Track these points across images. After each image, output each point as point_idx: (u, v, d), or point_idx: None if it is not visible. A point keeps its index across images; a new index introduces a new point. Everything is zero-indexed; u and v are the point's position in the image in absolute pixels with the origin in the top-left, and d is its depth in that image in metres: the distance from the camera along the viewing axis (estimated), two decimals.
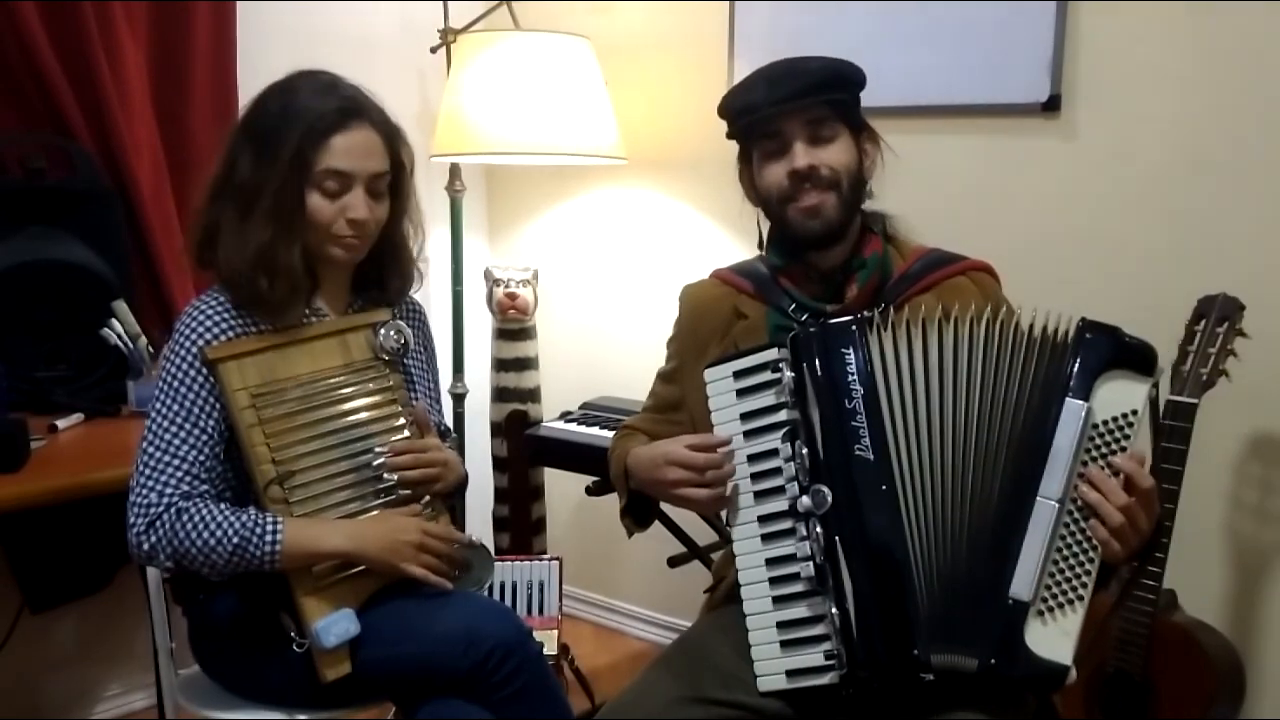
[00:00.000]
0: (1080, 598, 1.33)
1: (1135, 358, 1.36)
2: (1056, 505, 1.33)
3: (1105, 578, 1.41)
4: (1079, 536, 1.34)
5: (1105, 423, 1.34)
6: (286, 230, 1.56)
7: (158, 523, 1.50)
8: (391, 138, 1.65)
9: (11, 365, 2.10)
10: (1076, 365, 1.35)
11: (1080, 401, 1.34)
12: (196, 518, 1.50)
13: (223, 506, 1.53)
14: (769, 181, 1.58)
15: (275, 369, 1.58)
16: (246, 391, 1.55)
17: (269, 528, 1.51)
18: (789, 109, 1.53)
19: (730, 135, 1.64)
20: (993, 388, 1.38)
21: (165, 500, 1.51)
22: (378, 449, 1.63)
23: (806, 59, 1.58)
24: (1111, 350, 1.35)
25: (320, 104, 1.57)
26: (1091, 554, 1.34)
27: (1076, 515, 1.34)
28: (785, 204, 1.56)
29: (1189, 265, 2.08)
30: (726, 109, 1.61)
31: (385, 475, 1.63)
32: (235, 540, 1.50)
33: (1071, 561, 1.34)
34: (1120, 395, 1.35)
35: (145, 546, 1.51)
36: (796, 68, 1.56)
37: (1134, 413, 1.34)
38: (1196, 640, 1.92)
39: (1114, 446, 1.35)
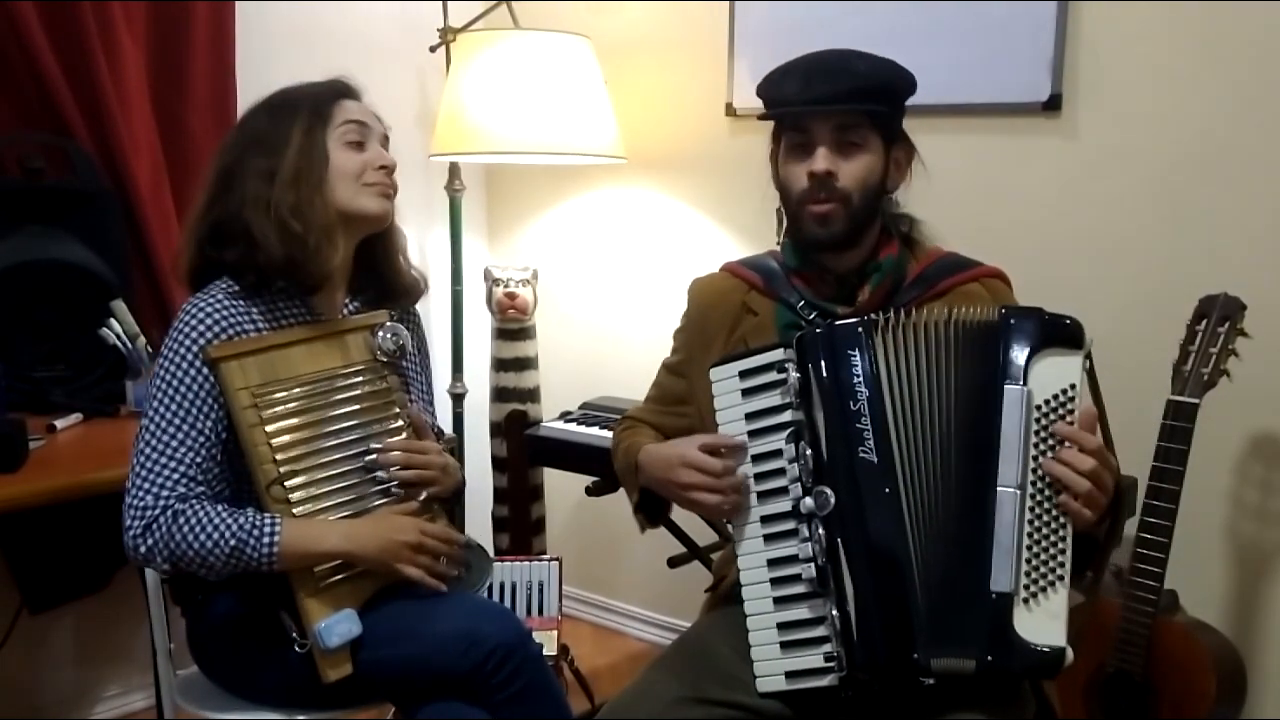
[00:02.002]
0: (1060, 578, 1.34)
1: (1062, 333, 1.38)
2: (1017, 492, 1.34)
3: (1086, 561, 1.42)
4: (1046, 518, 1.35)
5: (1047, 401, 1.36)
6: (316, 187, 1.59)
7: (154, 525, 1.49)
8: (376, 113, 1.71)
9: (10, 365, 2.10)
10: (1008, 351, 1.37)
11: (1018, 386, 1.36)
12: (194, 519, 1.49)
13: (220, 507, 1.52)
14: (790, 178, 1.56)
15: (276, 368, 1.58)
16: (248, 391, 1.54)
17: (267, 529, 1.50)
18: (819, 112, 1.50)
19: (762, 117, 1.61)
20: (957, 385, 1.39)
21: (162, 503, 1.50)
22: (372, 445, 1.64)
23: (856, 58, 1.54)
24: (1037, 331, 1.37)
25: (319, 84, 1.66)
26: (1062, 532, 1.35)
27: (1039, 498, 1.35)
28: (802, 205, 1.54)
29: (1189, 265, 2.07)
30: (762, 94, 1.58)
31: (380, 473, 1.63)
32: (233, 542, 1.49)
33: (1044, 544, 1.35)
34: (1055, 373, 1.36)
35: (142, 549, 1.50)
36: (841, 67, 1.52)
37: (1072, 387, 1.36)
38: (1197, 640, 1.92)
39: (1060, 423, 1.36)
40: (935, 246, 1.64)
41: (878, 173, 1.55)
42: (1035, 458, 1.35)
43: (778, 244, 1.65)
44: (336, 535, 1.55)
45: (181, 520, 1.49)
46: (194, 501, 1.51)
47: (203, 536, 1.49)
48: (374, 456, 1.63)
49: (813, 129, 1.52)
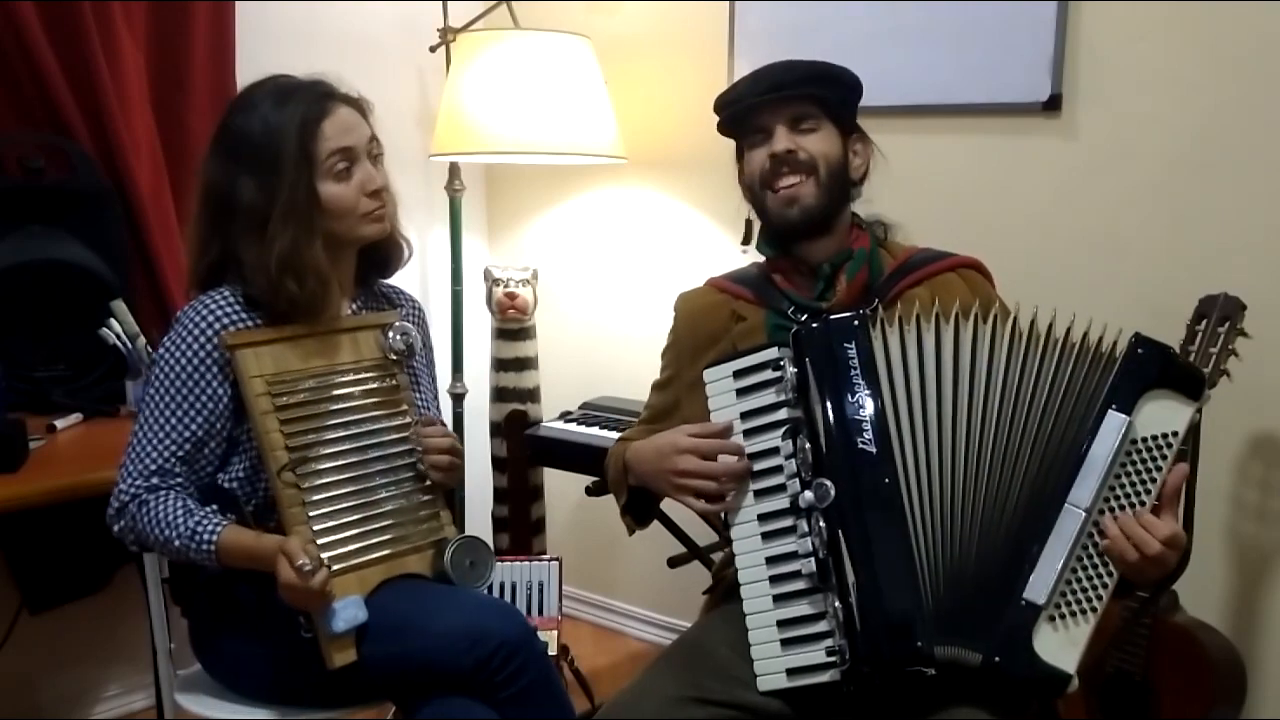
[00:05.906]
0: (1094, 609, 1.33)
1: (1184, 379, 1.35)
2: (1084, 514, 1.33)
3: (1127, 589, 1.41)
4: (1101, 548, 1.33)
5: (1145, 439, 1.34)
6: (306, 229, 1.59)
7: (125, 511, 1.57)
8: (360, 108, 1.68)
9: (10, 365, 2.10)
10: (1123, 378, 1.34)
11: (1123, 415, 1.33)
12: (154, 513, 1.55)
13: (179, 504, 1.55)
14: (752, 167, 1.63)
15: (289, 361, 1.62)
16: (262, 379, 1.58)
17: (206, 537, 1.53)
18: (770, 100, 1.58)
19: (722, 131, 1.67)
20: (1016, 389, 1.38)
21: (133, 490, 1.57)
22: (410, 437, 1.68)
23: (797, 61, 1.63)
24: (1161, 368, 1.35)
25: (298, 101, 1.59)
26: (1111, 568, 1.33)
27: (1103, 527, 1.33)
28: (765, 189, 1.60)
29: (1189, 265, 2.07)
30: (716, 104, 1.66)
31: (418, 463, 1.68)
32: (178, 543, 1.54)
33: (1090, 572, 1.33)
34: (1164, 415, 1.34)
35: (115, 529, 1.59)
36: (785, 65, 1.62)
37: (1175, 434, 1.34)
38: (1197, 640, 1.92)
39: (1150, 465, 1.34)
40: (910, 245, 1.68)
41: (839, 153, 1.60)
42: (1112, 488, 1.34)
43: (743, 251, 1.70)
44: (272, 543, 1.54)
45: (145, 510, 1.55)
46: (162, 492, 1.56)
47: (159, 530, 1.55)
48: (420, 449, 1.68)
49: (768, 122, 1.60)
